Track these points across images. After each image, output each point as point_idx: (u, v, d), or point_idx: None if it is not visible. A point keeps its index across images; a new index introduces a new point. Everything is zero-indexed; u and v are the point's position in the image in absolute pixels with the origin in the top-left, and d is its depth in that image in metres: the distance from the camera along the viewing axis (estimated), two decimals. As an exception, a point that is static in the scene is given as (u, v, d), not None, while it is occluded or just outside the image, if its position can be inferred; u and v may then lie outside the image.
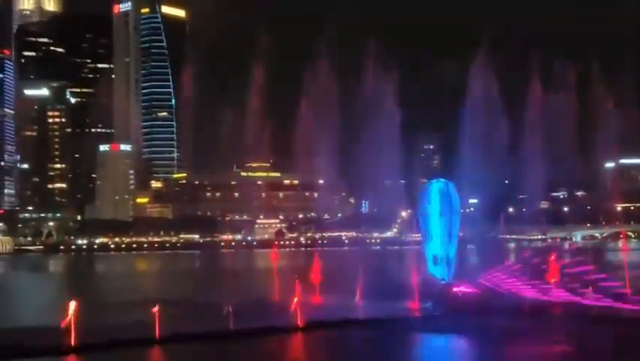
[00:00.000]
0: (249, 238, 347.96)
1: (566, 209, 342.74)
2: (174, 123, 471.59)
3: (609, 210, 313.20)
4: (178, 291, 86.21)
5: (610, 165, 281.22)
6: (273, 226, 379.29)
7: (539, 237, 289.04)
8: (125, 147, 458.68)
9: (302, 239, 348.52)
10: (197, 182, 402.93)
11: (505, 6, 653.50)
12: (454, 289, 66.46)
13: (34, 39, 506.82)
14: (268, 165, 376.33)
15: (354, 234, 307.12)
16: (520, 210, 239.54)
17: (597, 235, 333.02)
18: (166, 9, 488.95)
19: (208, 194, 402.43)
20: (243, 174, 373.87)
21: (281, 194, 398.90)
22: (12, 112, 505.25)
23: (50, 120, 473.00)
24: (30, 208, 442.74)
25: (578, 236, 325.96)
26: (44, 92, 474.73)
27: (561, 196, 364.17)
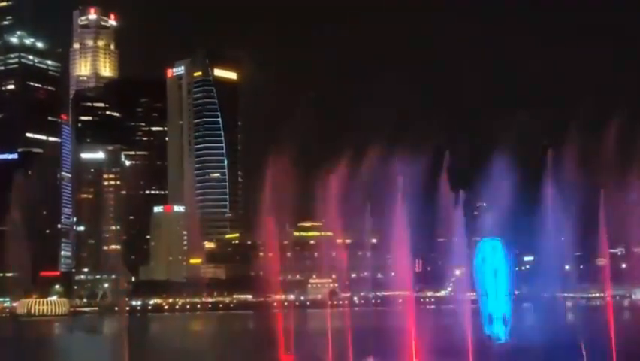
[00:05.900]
0: (302, 298, 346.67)
1: (624, 266, 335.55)
2: (227, 184, 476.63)
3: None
4: (232, 352, 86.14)
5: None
6: (326, 285, 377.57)
7: (597, 295, 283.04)
8: (178, 209, 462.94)
9: (355, 299, 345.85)
10: (249, 242, 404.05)
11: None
12: None
13: (90, 104, 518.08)
14: (321, 224, 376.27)
15: (407, 293, 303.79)
16: (578, 267, 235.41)
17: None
18: (218, 72, 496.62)
19: (261, 254, 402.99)
20: (296, 233, 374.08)
21: (333, 253, 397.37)
22: (69, 175, 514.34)
23: (106, 183, 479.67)
24: (85, 270, 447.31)
25: (637, 293, 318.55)
26: (100, 155, 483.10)
27: (619, 253, 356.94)
